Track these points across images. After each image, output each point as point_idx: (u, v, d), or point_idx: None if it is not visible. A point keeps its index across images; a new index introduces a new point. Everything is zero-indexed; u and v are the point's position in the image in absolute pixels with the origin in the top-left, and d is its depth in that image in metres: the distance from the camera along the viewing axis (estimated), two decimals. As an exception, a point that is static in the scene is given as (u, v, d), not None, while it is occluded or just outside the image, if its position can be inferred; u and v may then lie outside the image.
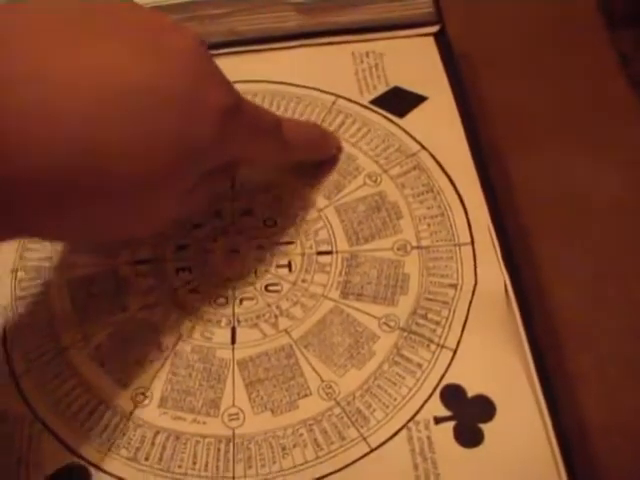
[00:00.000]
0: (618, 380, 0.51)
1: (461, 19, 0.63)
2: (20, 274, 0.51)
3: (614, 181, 0.59)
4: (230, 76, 0.58)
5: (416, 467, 0.43)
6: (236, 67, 0.59)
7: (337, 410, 0.46)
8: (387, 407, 0.45)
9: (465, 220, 0.52)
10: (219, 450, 0.45)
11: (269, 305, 0.49)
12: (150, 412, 0.46)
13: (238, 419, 0.46)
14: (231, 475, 0.44)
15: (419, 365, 0.47)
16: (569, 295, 0.54)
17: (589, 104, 0.64)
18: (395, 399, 0.46)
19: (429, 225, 0.52)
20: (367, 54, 0.60)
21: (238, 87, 0.57)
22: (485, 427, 0.44)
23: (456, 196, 0.53)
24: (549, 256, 0.55)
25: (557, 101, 0.63)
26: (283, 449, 0.45)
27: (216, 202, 0.54)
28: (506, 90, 0.63)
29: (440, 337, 0.47)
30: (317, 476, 0.44)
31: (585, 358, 0.51)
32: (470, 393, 0.46)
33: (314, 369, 0.47)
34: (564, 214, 0.57)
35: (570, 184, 0.59)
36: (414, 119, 0.57)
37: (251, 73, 0.59)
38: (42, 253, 0.52)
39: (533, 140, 0.61)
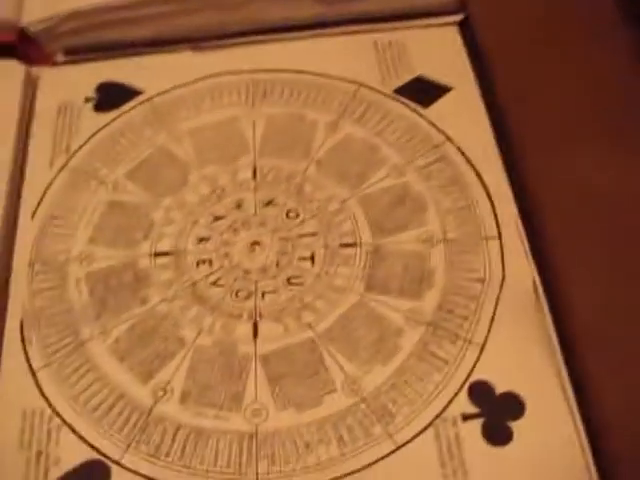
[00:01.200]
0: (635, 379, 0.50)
1: (485, 7, 0.61)
2: (37, 267, 0.50)
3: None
4: (249, 65, 0.58)
5: (443, 465, 0.42)
6: (255, 56, 0.59)
7: (362, 406, 0.44)
8: (413, 404, 0.44)
9: (492, 214, 0.50)
10: (242, 446, 0.44)
11: (292, 298, 0.48)
12: (171, 407, 0.45)
13: (261, 415, 0.45)
14: (254, 472, 0.43)
15: (446, 361, 0.46)
16: (587, 295, 0.52)
17: (615, 100, 0.62)
18: (422, 395, 0.45)
19: (455, 218, 0.51)
20: (390, 43, 0.59)
21: (257, 77, 0.57)
22: (514, 425, 0.43)
23: (483, 189, 0.51)
24: (568, 254, 0.54)
25: (583, 94, 0.62)
26: (307, 446, 0.43)
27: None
28: (529, 81, 0.62)
29: (467, 332, 0.46)
30: (342, 473, 0.43)
31: (600, 357, 0.50)
32: (499, 390, 0.45)
33: (338, 364, 0.46)
34: (585, 211, 0.56)
35: (594, 182, 0.57)
36: (439, 110, 0.55)
37: (270, 62, 0.58)
38: (59, 246, 0.51)
39: (558, 135, 0.59)
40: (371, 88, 0.57)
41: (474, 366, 0.45)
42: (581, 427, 0.43)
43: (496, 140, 0.54)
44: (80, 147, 0.55)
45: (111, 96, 0.58)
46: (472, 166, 0.53)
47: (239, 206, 0.52)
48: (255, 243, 0.51)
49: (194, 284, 0.49)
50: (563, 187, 0.55)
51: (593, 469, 0.42)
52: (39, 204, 0.53)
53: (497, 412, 0.44)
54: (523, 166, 0.54)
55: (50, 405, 0.46)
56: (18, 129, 0.55)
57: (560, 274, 0.50)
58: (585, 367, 0.47)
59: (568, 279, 0.51)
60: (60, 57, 0.60)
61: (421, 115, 0.55)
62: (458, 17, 0.60)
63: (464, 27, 0.60)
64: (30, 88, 0.58)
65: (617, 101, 0.61)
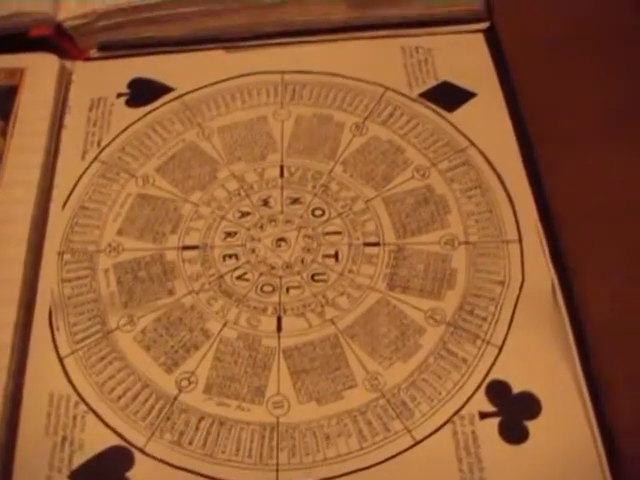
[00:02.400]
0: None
1: (510, 16, 0.62)
2: (66, 257, 0.52)
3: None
4: (279, 66, 0.59)
5: (460, 461, 0.43)
6: (285, 58, 0.60)
7: (382, 402, 0.45)
8: (432, 400, 0.45)
9: (513, 218, 0.51)
10: (263, 437, 0.45)
11: (315, 295, 0.49)
12: (195, 397, 0.46)
13: (283, 407, 0.46)
14: (274, 462, 0.44)
15: (464, 360, 0.47)
16: (603, 300, 0.52)
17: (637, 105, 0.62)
18: (440, 393, 0.46)
19: (477, 221, 0.52)
20: (416, 49, 0.60)
21: (287, 78, 0.58)
22: (530, 424, 0.44)
23: (504, 194, 0.52)
24: (586, 258, 0.54)
25: (607, 100, 0.62)
26: (327, 438, 0.44)
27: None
28: (556, 88, 0.62)
29: (486, 333, 0.47)
30: (361, 467, 0.44)
31: (615, 362, 0.50)
32: (515, 390, 0.45)
33: (360, 360, 0.47)
34: (604, 217, 0.56)
35: (612, 187, 0.57)
36: (463, 115, 0.56)
37: (300, 64, 0.59)
38: (88, 236, 0.52)
39: (580, 142, 0.59)
40: (397, 91, 0.58)
41: (492, 366, 0.46)
42: (596, 428, 0.44)
43: (518, 146, 0.55)
44: (112, 141, 0.56)
45: (143, 92, 0.59)
46: (494, 171, 0.54)
47: (266, 203, 0.53)
48: (281, 239, 0.52)
49: (220, 277, 0.50)
50: (582, 193, 0.56)
51: (607, 470, 0.42)
52: (70, 195, 0.54)
53: (514, 411, 0.45)
54: (544, 172, 0.55)
55: (76, 391, 0.47)
56: (52, 120, 0.56)
57: (577, 278, 0.51)
58: (601, 370, 0.47)
59: (585, 283, 0.52)
60: (94, 52, 0.61)
61: (446, 119, 0.56)
62: (484, 25, 0.61)
63: (489, 35, 0.60)
64: (64, 81, 0.59)
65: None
